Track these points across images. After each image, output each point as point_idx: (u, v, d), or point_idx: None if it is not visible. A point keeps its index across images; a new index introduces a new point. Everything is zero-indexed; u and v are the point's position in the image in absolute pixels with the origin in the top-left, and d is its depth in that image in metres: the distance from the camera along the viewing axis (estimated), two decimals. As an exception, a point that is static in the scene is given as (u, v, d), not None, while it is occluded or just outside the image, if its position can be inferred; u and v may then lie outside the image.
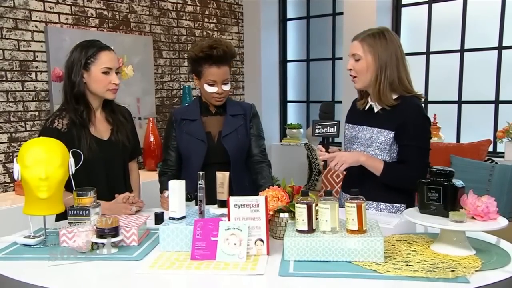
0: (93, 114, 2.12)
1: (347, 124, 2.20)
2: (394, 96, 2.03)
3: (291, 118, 5.47)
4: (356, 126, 2.14)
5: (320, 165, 2.09)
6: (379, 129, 2.04)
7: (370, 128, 2.07)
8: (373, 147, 2.04)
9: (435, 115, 4.30)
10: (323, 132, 1.99)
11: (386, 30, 2.04)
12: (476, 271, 1.37)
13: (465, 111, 4.35)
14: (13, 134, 3.58)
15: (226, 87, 2.28)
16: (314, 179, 4.47)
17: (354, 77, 2.06)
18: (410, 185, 1.98)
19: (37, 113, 3.71)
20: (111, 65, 2.06)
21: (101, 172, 2.10)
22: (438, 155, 3.90)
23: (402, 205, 2.07)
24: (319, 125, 1.99)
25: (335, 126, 1.97)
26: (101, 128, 2.13)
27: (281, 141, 5.36)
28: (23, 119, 3.64)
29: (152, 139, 4.15)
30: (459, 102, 4.35)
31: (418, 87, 4.56)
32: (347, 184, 2.21)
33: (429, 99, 4.53)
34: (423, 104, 2.09)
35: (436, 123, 4.28)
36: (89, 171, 2.02)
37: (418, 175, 1.94)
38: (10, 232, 1.81)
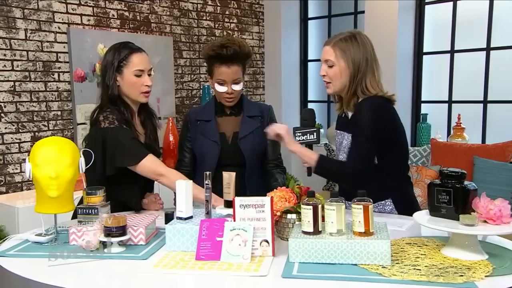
0: (134, 115, 2.14)
1: (336, 130, 2.19)
2: (359, 100, 2.00)
3: (312, 118, 5.43)
4: (340, 132, 2.13)
5: (304, 171, 2.08)
6: (348, 134, 2.03)
7: (343, 133, 2.07)
8: (341, 152, 2.05)
9: (459, 115, 4.20)
10: (303, 140, 2.00)
11: (358, 33, 2.01)
12: (486, 276, 1.32)
13: (490, 111, 4.23)
14: (36, 133, 3.67)
15: (237, 87, 2.24)
16: (334, 180, 4.43)
17: (328, 82, 2.03)
18: (341, 175, 1.98)
19: (59, 113, 3.79)
20: (143, 67, 2.07)
21: (137, 173, 2.10)
22: (461, 156, 3.80)
23: (387, 200, 2.02)
24: (299, 132, 2.01)
25: (315, 133, 1.98)
26: (139, 131, 2.15)
27: (301, 141, 5.33)
28: (46, 119, 3.72)
29: (171, 138, 4.17)
30: (485, 101, 4.25)
31: (442, 87, 4.48)
32: (341, 188, 2.16)
33: (454, 98, 4.44)
34: (387, 102, 2.01)
35: (460, 123, 4.18)
36: (128, 171, 2.03)
37: (348, 166, 1.93)
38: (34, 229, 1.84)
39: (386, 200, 2.03)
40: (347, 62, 1.96)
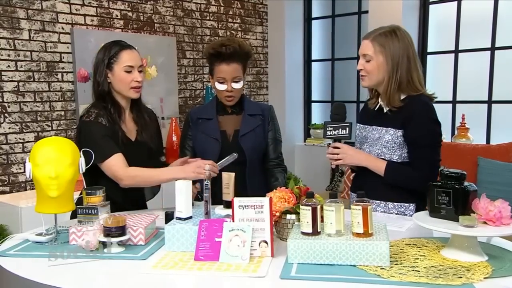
0: (123, 112, 2.14)
1: (359, 124, 2.17)
2: (402, 96, 1.98)
3: (316, 118, 5.42)
4: (366, 126, 2.11)
5: (332, 167, 2.07)
6: (386, 128, 2.00)
7: (379, 128, 2.03)
8: (379, 146, 2.00)
9: (463, 115, 4.18)
10: (334, 134, 1.97)
11: (397, 29, 1.99)
12: (485, 278, 1.32)
13: (495, 111, 4.20)
14: (40, 133, 3.68)
15: (237, 86, 2.25)
16: (337, 180, 4.41)
17: (364, 76, 2.02)
18: (415, 185, 1.95)
19: (63, 113, 3.80)
20: (132, 63, 2.08)
21: None
22: (465, 156, 3.78)
23: (411, 204, 2.01)
24: (330, 127, 1.97)
25: (347, 128, 1.95)
26: (129, 128, 2.16)
27: (305, 141, 5.32)
28: (50, 119, 3.74)
29: (174, 138, 4.19)
30: (489, 102, 4.21)
31: (446, 87, 4.45)
32: (356, 184, 2.18)
33: (458, 98, 4.41)
34: (433, 104, 2.03)
35: (465, 123, 4.15)
36: None
37: (422, 174, 1.89)
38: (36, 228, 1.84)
39: (410, 204, 2.01)
40: (386, 58, 1.95)
